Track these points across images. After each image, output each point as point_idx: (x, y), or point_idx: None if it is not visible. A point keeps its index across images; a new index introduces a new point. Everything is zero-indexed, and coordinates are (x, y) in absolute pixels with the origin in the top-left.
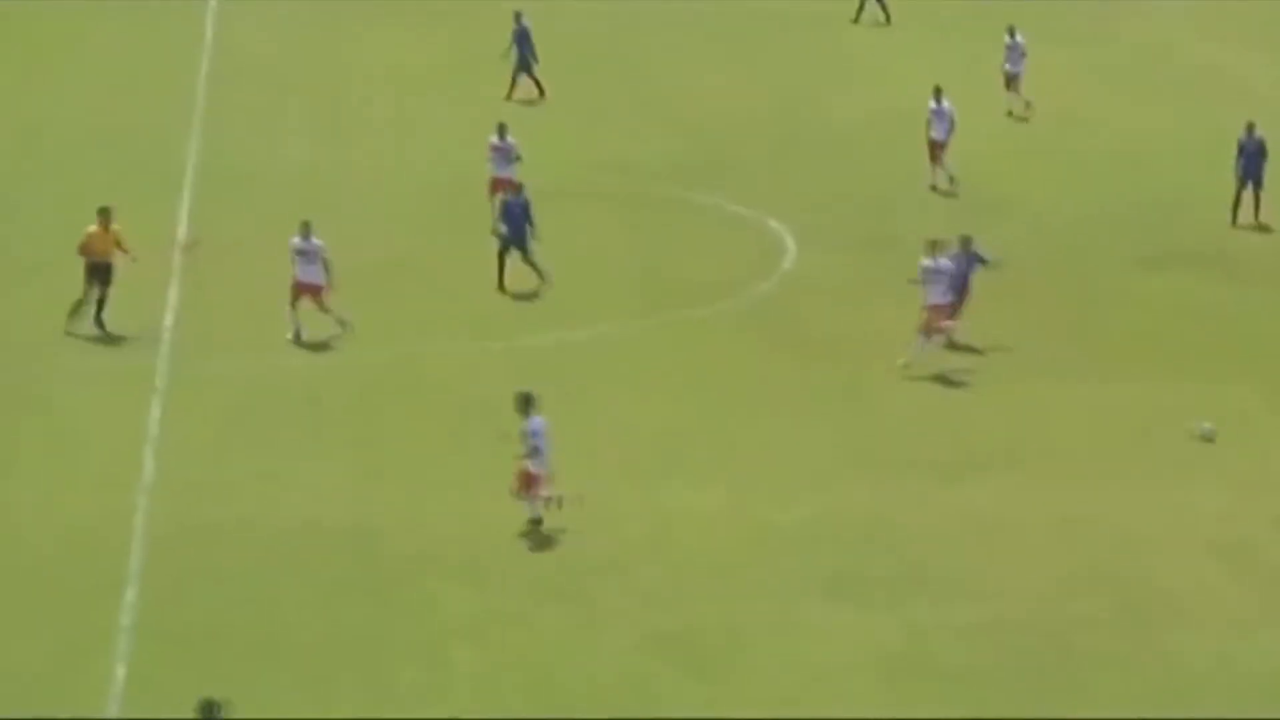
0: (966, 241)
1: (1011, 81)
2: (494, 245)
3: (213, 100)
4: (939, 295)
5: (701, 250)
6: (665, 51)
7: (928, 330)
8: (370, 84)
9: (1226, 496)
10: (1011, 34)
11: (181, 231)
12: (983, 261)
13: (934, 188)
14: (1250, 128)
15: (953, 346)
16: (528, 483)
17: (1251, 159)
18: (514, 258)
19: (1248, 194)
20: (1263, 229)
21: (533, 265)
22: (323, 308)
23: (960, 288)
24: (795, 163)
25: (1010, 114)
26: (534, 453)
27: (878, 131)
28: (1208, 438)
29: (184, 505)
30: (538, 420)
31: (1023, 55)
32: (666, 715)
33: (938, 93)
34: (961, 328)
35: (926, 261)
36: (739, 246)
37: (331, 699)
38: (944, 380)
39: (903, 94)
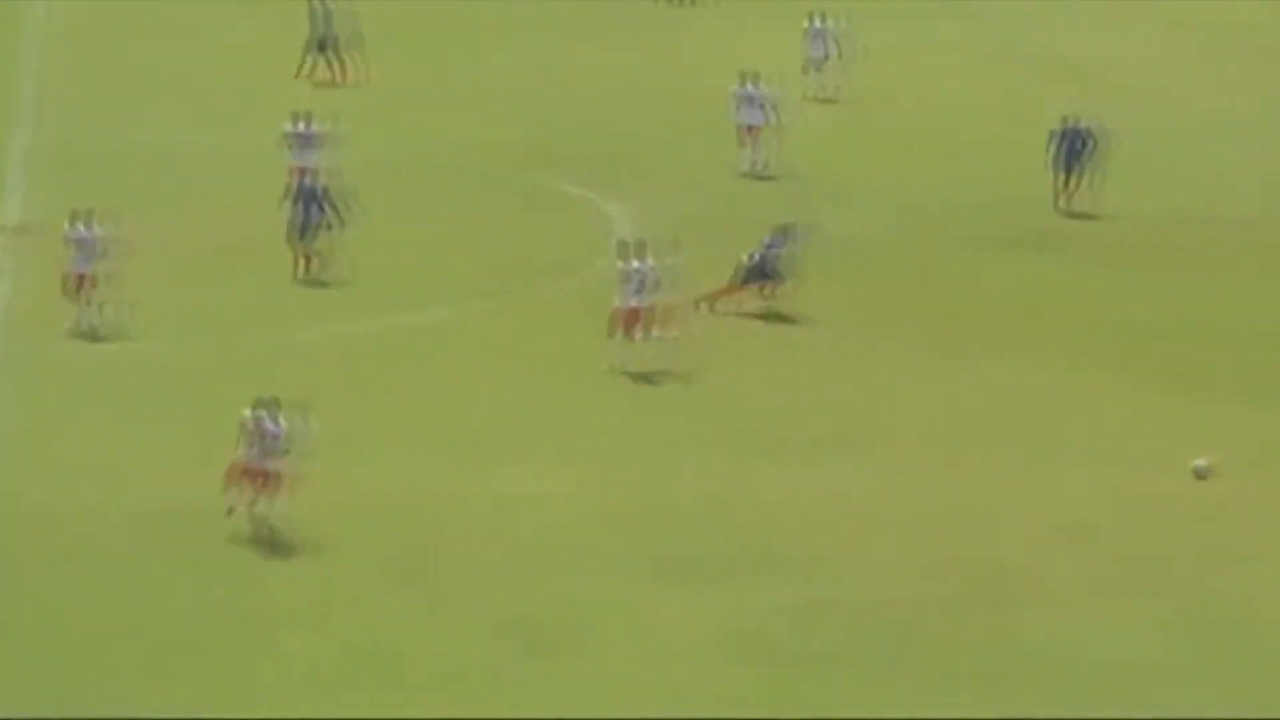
0: (785, 228)
1: (817, 64)
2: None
3: (45, 79)
4: (634, 297)
5: (541, 232)
6: (503, 35)
7: (620, 329)
8: (214, 63)
9: (1072, 476)
10: (819, 19)
11: (10, 215)
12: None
13: (750, 171)
14: (1075, 118)
15: (783, 318)
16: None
17: (1073, 148)
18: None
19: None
20: (1089, 216)
21: (315, 252)
22: (89, 300)
23: (770, 271)
24: (634, 144)
25: (820, 98)
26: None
27: (717, 114)
28: (1202, 475)
29: (15, 490)
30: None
31: (835, 40)
32: (511, 698)
33: (749, 76)
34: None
35: (620, 264)
36: (578, 228)
37: (168, 688)
38: (789, 362)
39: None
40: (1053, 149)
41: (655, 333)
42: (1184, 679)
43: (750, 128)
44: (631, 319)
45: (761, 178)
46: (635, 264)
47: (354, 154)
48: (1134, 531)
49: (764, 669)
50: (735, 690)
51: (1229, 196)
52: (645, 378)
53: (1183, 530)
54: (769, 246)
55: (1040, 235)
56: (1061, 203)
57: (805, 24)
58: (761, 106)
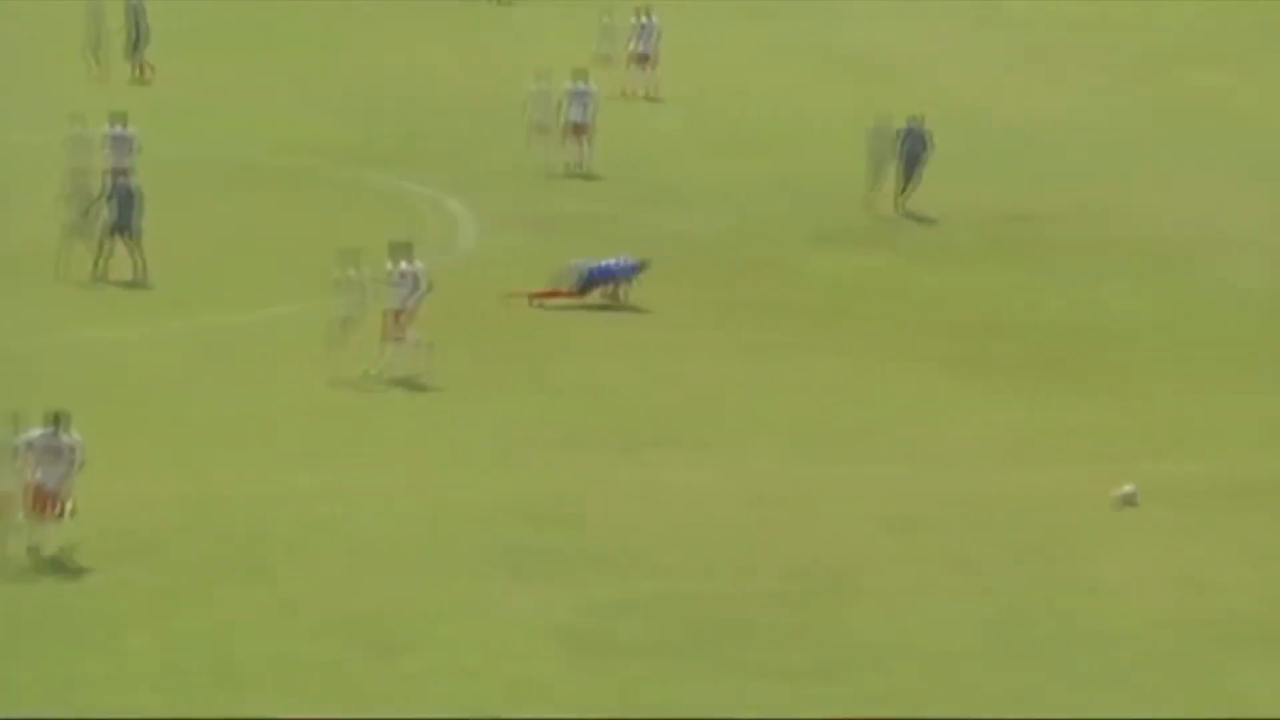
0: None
1: (641, 61)
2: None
3: None
4: (400, 300)
5: (379, 230)
6: (342, 32)
7: (391, 335)
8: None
9: (901, 471)
10: (644, 14)
11: None
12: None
13: (572, 168)
14: (917, 119)
15: (617, 315)
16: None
17: (913, 151)
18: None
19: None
20: (912, 213)
21: (133, 250)
22: None
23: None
24: (472, 143)
25: (646, 96)
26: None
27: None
28: (1130, 501)
29: None
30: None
31: (656, 36)
32: (350, 697)
33: (577, 73)
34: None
35: (389, 265)
36: (417, 226)
37: (7, 690)
38: (624, 359)
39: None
40: (897, 148)
41: (411, 336)
42: (1001, 668)
43: (577, 125)
44: (396, 321)
45: (589, 177)
46: (404, 265)
47: (168, 154)
48: (956, 525)
49: (602, 665)
50: (573, 686)
51: (1046, 194)
52: (483, 375)
53: (1002, 523)
54: (617, 267)
55: (865, 232)
56: (899, 202)
57: (632, 20)
58: (586, 105)
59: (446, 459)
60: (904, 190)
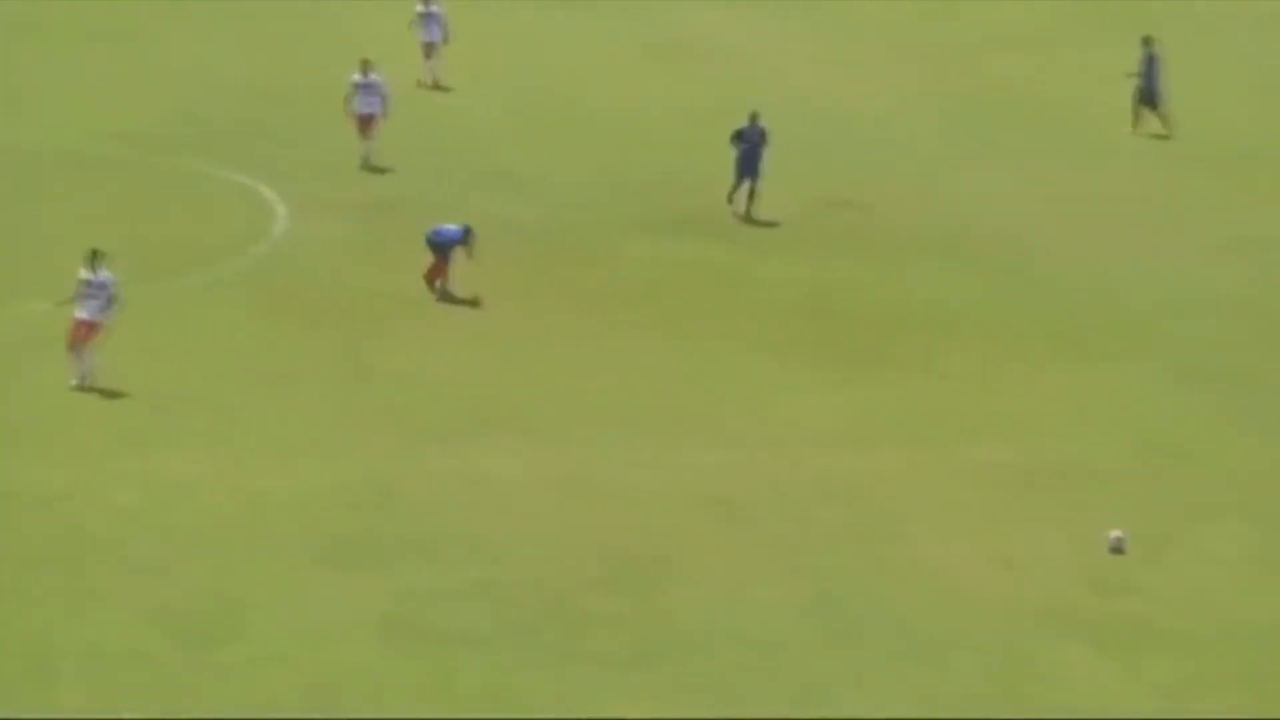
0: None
1: (428, 50)
2: None
3: None
4: (92, 311)
5: (194, 218)
6: (162, 23)
7: (74, 344)
8: None
9: (723, 456)
10: (430, 2)
11: None
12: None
13: (363, 161)
14: (754, 117)
15: (443, 301)
16: None
17: (751, 149)
18: None
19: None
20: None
21: None
22: None
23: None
24: (287, 131)
25: (432, 84)
26: None
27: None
28: (1118, 548)
29: None
30: None
31: (440, 24)
32: (165, 688)
33: (364, 65)
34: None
35: (85, 274)
36: (233, 214)
37: None
38: (442, 345)
39: (395, 61)
40: (736, 147)
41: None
42: (817, 652)
43: (365, 117)
44: (81, 332)
45: (381, 170)
46: (92, 275)
47: None
48: (776, 510)
49: (420, 652)
50: (391, 674)
51: (870, 182)
52: (300, 362)
53: (821, 507)
54: (447, 232)
55: (690, 219)
56: (750, 205)
57: (419, 8)
58: (379, 96)
59: (263, 446)
60: (748, 188)
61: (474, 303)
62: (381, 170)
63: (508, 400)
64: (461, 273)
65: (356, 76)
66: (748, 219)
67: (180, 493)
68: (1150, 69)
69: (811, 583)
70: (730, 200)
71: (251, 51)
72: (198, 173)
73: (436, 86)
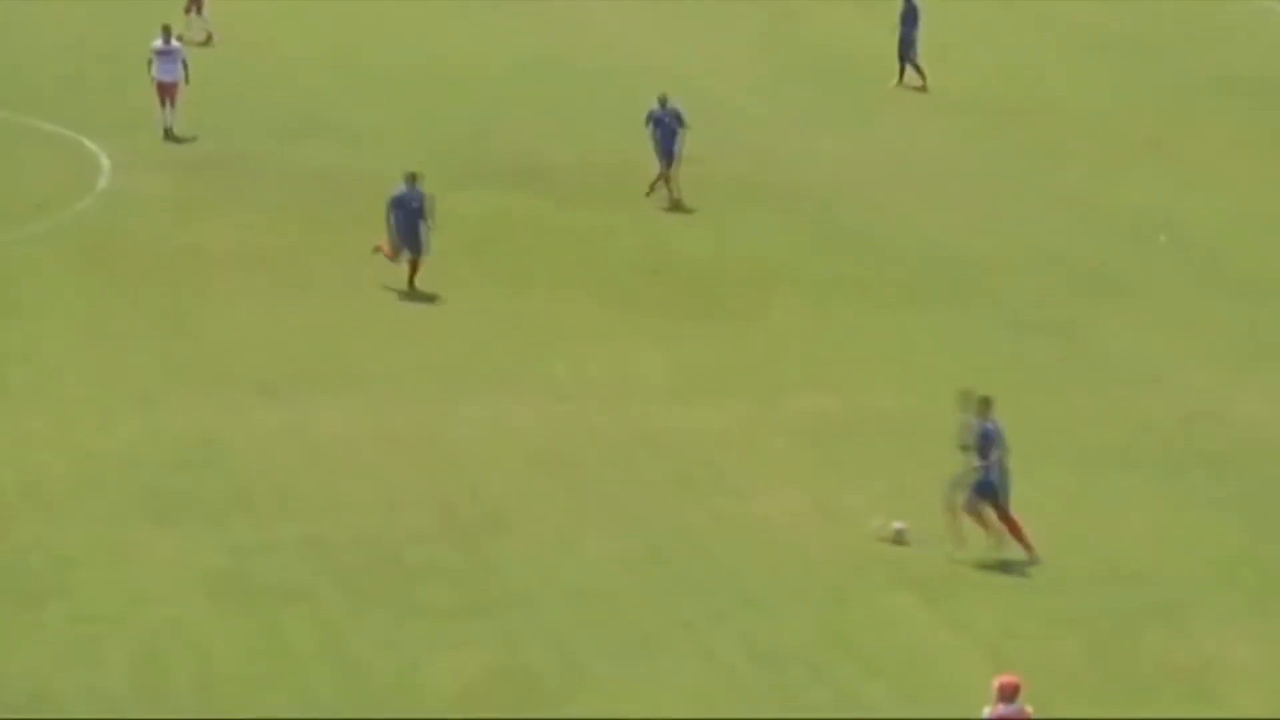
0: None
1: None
2: None
3: None
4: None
5: (15, 172)
6: None
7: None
8: None
9: (552, 409)
10: None
11: None
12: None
13: (167, 132)
14: (663, 99)
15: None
16: None
17: (667, 132)
18: None
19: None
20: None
21: None
22: None
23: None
24: (104, 83)
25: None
26: None
27: (190, 49)
28: (900, 539)
29: None
30: None
31: None
32: None
33: (166, 31)
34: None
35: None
36: (53, 167)
37: None
38: (267, 300)
39: (209, 12)
40: (650, 131)
41: None
42: (643, 604)
43: (166, 84)
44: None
45: (180, 139)
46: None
47: None
48: (604, 462)
49: (248, 607)
50: (220, 630)
51: (707, 138)
52: (123, 320)
53: (650, 461)
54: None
55: (513, 173)
56: (672, 186)
57: None
58: (178, 62)
59: (87, 403)
60: (667, 170)
61: (295, 258)
62: (197, 132)
63: (335, 355)
64: (280, 226)
65: (158, 43)
66: (675, 206)
67: (6, 451)
68: (908, 20)
69: (640, 535)
70: (651, 191)
71: (74, 6)
72: (19, 125)
73: (204, 44)
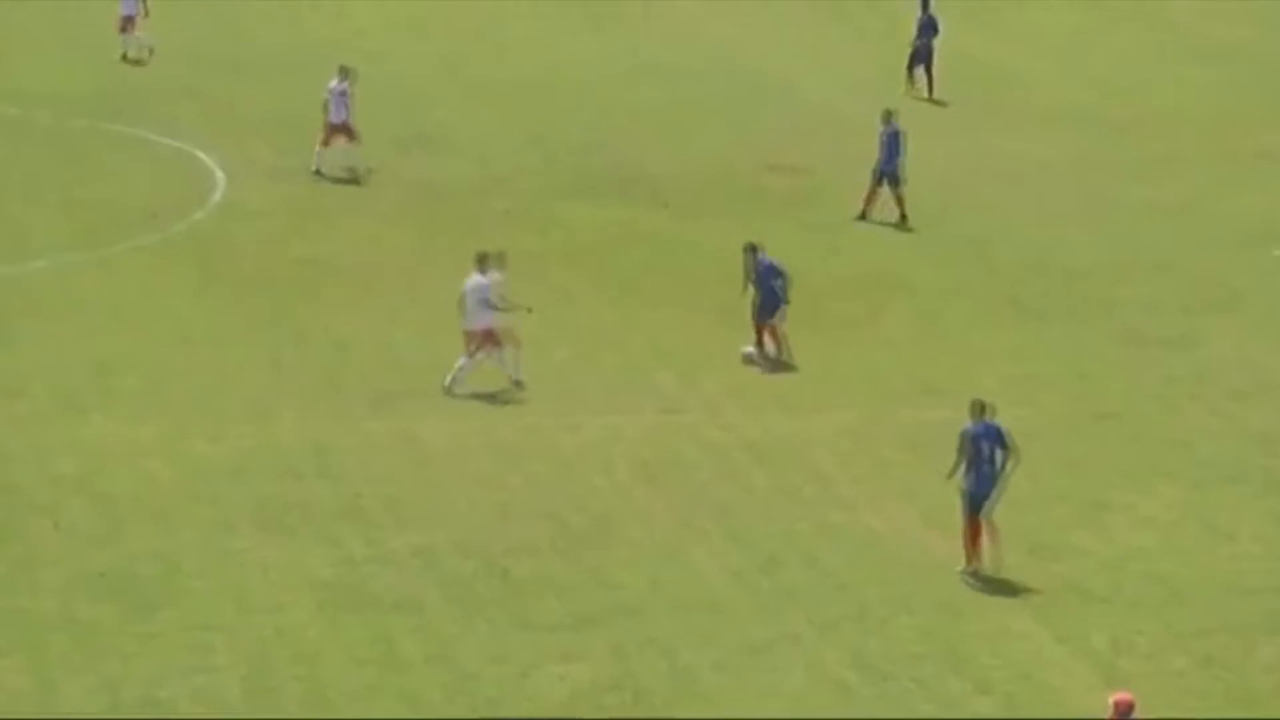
0: None
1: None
2: None
3: None
4: None
5: (130, 183)
6: None
7: None
8: None
9: (660, 419)
10: None
11: None
12: None
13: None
14: (887, 116)
15: (380, 258)
16: None
17: (890, 153)
18: None
19: (885, 190)
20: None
21: None
22: None
23: None
24: (219, 94)
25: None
26: None
27: (304, 60)
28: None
29: None
30: None
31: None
32: (106, 654)
33: (343, 72)
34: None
35: None
36: (169, 179)
37: None
38: (378, 310)
39: (325, 23)
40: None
41: None
42: (752, 617)
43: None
44: None
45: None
46: None
47: None
48: (712, 473)
49: (357, 619)
50: (329, 641)
51: (811, 149)
52: (235, 326)
53: (757, 471)
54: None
55: (622, 183)
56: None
57: None
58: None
59: (199, 411)
60: (882, 189)
61: (407, 266)
62: (305, 133)
63: (445, 365)
64: (392, 237)
65: (334, 83)
66: (901, 224)
67: (118, 459)
68: (926, 31)
69: (748, 546)
70: (863, 215)
71: (188, 19)
72: (135, 138)
73: (136, 60)
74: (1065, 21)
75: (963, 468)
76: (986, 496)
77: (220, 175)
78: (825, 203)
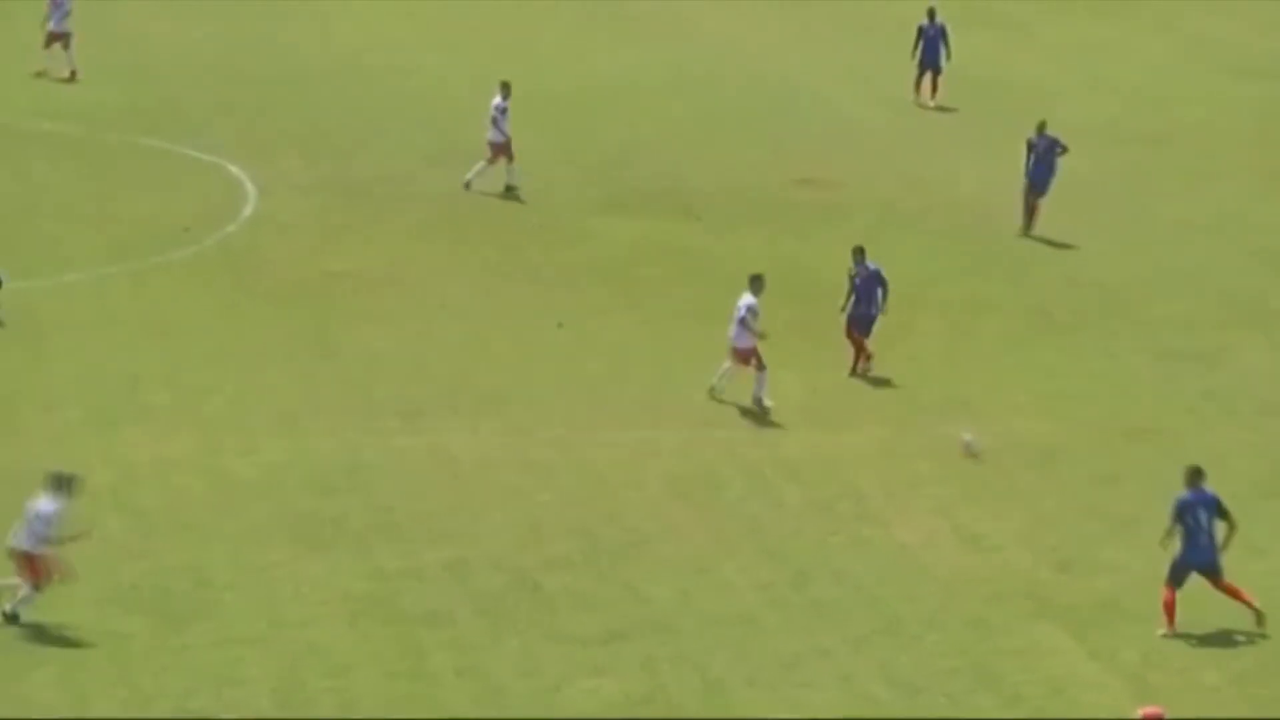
0: None
1: (53, 40)
2: None
3: None
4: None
5: (163, 197)
6: None
7: None
8: None
9: (692, 434)
10: None
11: None
12: None
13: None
14: (1041, 126)
15: (411, 274)
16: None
17: (1041, 163)
18: None
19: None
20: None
21: None
22: None
23: None
24: (250, 108)
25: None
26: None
27: (335, 73)
28: (972, 451)
29: None
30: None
31: (66, 15)
32: (141, 667)
33: (505, 88)
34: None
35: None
36: (200, 192)
37: None
38: (409, 324)
39: (356, 37)
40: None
41: None
42: (784, 632)
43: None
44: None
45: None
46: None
47: None
48: (743, 488)
49: (389, 632)
50: (361, 654)
51: (839, 163)
52: (265, 341)
53: (789, 486)
54: None
55: (653, 197)
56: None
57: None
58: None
59: (232, 425)
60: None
61: (443, 281)
62: (355, 145)
63: (476, 378)
64: (424, 250)
65: (497, 100)
66: (1025, 233)
67: (151, 473)
68: (930, 38)
69: (779, 561)
70: (1026, 230)
71: (221, 32)
72: (167, 152)
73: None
74: (1095, 35)
75: (1178, 537)
76: (1203, 566)
77: (252, 189)
78: (855, 217)
